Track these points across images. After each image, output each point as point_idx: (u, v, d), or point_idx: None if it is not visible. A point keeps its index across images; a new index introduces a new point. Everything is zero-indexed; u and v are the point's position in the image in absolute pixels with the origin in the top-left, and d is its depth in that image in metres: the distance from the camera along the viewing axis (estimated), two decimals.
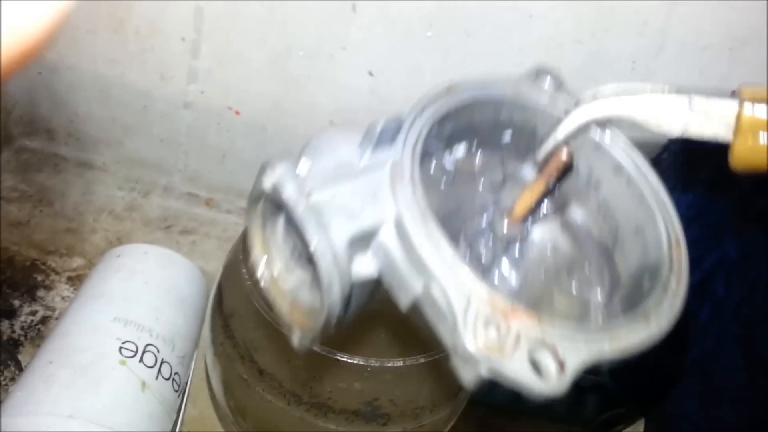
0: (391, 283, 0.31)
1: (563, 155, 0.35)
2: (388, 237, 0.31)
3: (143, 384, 0.58)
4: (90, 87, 0.89)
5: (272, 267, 0.35)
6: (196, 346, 0.70)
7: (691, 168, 0.68)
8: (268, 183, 0.31)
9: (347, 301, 0.31)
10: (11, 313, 0.75)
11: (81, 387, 0.55)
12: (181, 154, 0.94)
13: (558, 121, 0.36)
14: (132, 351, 0.59)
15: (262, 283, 0.35)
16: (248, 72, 0.84)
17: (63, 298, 0.79)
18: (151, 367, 0.60)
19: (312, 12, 0.77)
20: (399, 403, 0.58)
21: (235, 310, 0.62)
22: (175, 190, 0.97)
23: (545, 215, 0.38)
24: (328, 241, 0.29)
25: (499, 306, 0.28)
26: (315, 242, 0.29)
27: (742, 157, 0.33)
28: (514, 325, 0.27)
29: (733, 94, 0.76)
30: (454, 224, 0.35)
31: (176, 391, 0.62)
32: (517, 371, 0.26)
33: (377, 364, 0.55)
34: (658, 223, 0.34)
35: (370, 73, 0.81)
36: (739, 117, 0.32)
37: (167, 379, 0.61)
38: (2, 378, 0.69)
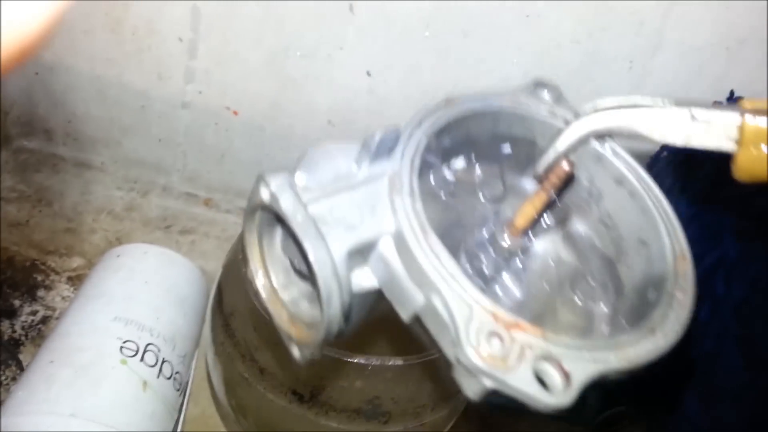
0: (392, 296, 0.31)
1: (564, 166, 0.35)
2: (387, 249, 0.31)
3: (144, 383, 0.58)
4: (88, 87, 0.89)
5: (271, 279, 0.35)
6: (196, 345, 0.70)
7: (690, 166, 0.68)
8: (265, 194, 0.30)
9: (347, 313, 0.31)
10: (12, 313, 0.76)
11: (82, 386, 0.55)
12: (180, 154, 0.94)
13: (558, 133, 0.36)
14: (133, 350, 0.59)
15: (261, 295, 0.35)
16: (246, 72, 0.84)
17: (63, 297, 0.79)
18: (152, 366, 0.60)
19: (309, 12, 0.77)
20: (400, 402, 0.58)
21: (235, 309, 0.62)
22: (174, 190, 0.97)
23: (547, 227, 0.38)
24: (326, 251, 0.29)
25: (502, 318, 0.28)
26: (313, 253, 0.29)
27: (745, 168, 0.33)
28: (518, 337, 0.27)
29: (731, 95, 0.76)
30: (454, 236, 0.35)
31: (177, 390, 0.62)
32: (522, 383, 0.26)
33: (378, 363, 0.55)
34: (662, 235, 0.34)
35: (368, 73, 0.81)
36: (742, 128, 0.32)
37: (168, 379, 0.61)
38: (3, 378, 0.69)
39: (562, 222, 0.38)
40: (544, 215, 0.38)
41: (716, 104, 0.34)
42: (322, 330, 0.31)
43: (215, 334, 0.64)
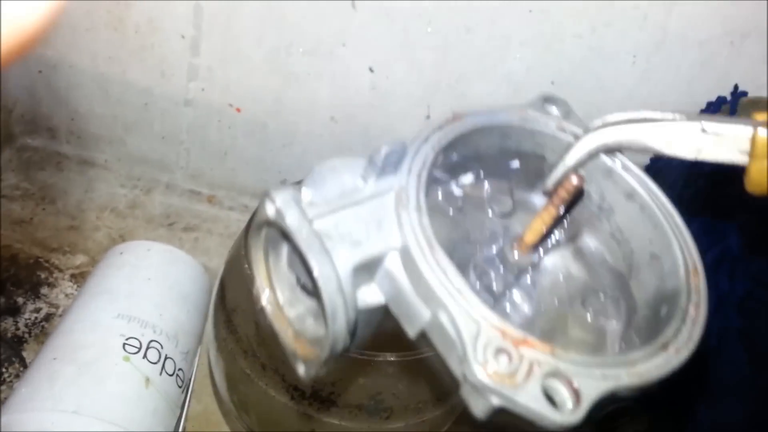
0: (398, 312, 0.31)
1: (573, 180, 0.34)
2: (394, 265, 0.30)
3: (147, 380, 0.58)
4: (91, 85, 0.89)
5: (277, 296, 0.34)
6: (199, 342, 0.70)
7: (693, 162, 0.68)
8: (271, 210, 0.30)
9: (353, 330, 0.31)
10: (15, 311, 0.76)
11: (85, 383, 0.56)
12: (183, 152, 0.94)
13: (567, 148, 0.36)
14: (136, 347, 0.60)
15: (267, 312, 0.34)
16: (248, 69, 0.84)
17: (66, 295, 0.79)
18: (155, 363, 0.60)
19: (311, 8, 0.77)
20: (402, 397, 0.58)
21: (238, 306, 0.62)
22: (177, 188, 0.97)
23: (557, 243, 0.37)
24: (332, 267, 0.29)
25: (510, 334, 0.27)
26: (318, 268, 0.28)
27: (758, 181, 0.32)
28: (527, 354, 0.27)
29: (735, 90, 0.75)
30: (463, 253, 0.34)
31: (180, 387, 0.63)
32: (530, 401, 0.26)
33: (380, 359, 0.55)
34: (674, 249, 0.33)
35: (371, 69, 0.81)
36: (753, 140, 0.32)
37: (171, 375, 0.61)
38: (7, 375, 0.70)
39: (572, 238, 0.38)
40: (554, 231, 0.37)
41: (723, 106, 0.34)
42: (327, 347, 0.30)
43: (217, 331, 0.64)
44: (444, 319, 0.28)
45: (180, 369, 0.63)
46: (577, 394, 0.26)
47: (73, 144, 0.96)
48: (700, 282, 0.32)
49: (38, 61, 0.87)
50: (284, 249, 0.34)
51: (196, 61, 0.84)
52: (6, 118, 0.92)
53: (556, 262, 0.37)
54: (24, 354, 0.72)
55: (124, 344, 0.59)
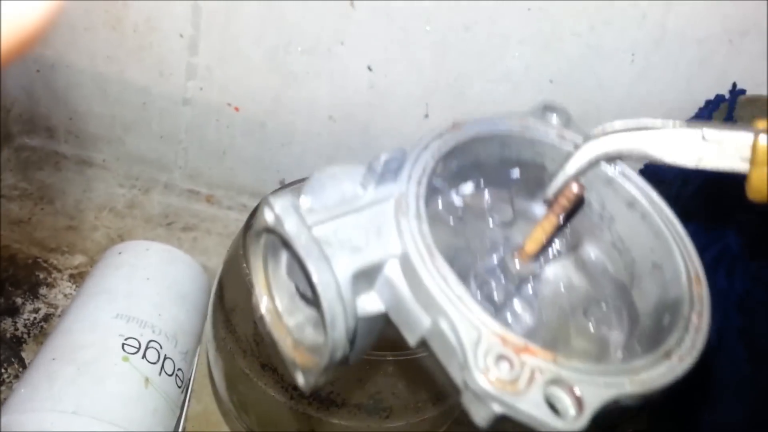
0: (399, 319, 0.31)
1: (574, 188, 0.34)
2: (393, 272, 0.30)
3: (146, 380, 0.58)
4: (89, 84, 0.89)
5: (276, 304, 0.34)
6: (198, 341, 0.70)
7: None
8: (269, 217, 0.30)
9: (352, 338, 0.30)
10: (14, 311, 0.76)
11: (84, 383, 0.55)
12: (181, 151, 0.94)
13: (568, 156, 0.36)
14: (135, 347, 0.59)
15: (266, 320, 0.34)
16: (247, 68, 0.84)
17: (65, 295, 0.79)
18: (154, 363, 0.60)
19: (310, 7, 0.77)
20: (401, 397, 0.58)
21: (236, 305, 0.62)
22: (176, 187, 0.97)
23: (558, 253, 0.37)
24: (331, 273, 0.28)
25: (511, 341, 0.27)
26: (317, 274, 0.28)
27: (759, 188, 0.32)
28: (528, 361, 0.26)
29: (734, 88, 0.75)
30: (463, 262, 0.34)
31: (179, 387, 0.63)
32: (532, 408, 0.25)
33: (380, 358, 0.55)
34: (676, 258, 0.33)
35: (369, 68, 0.81)
36: (754, 148, 0.32)
37: (170, 375, 0.61)
38: (6, 375, 0.70)
39: (573, 247, 0.37)
40: (555, 239, 0.37)
41: (724, 115, 0.34)
42: (326, 355, 0.30)
43: (216, 330, 0.64)
44: (444, 326, 0.28)
45: (179, 369, 0.63)
46: (579, 402, 0.26)
47: (71, 144, 0.96)
48: (702, 290, 0.32)
49: (36, 61, 0.87)
50: (283, 257, 0.34)
51: (194, 60, 0.84)
52: (4, 118, 0.92)
53: (557, 271, 0.37)
54: (23, 354, 0.72)
55: (123, 344, 0.59)
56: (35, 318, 0.76)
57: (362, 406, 0.57)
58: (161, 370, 0.60)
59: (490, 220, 0.37)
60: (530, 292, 0.36)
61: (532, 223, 0.36)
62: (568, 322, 0.35)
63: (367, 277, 0.30)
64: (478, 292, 0.34)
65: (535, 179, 0.38)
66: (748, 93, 0.75)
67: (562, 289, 0.36)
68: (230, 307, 0.63)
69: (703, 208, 0.64)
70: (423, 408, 0.59)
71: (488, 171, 0.37)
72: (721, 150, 0.33)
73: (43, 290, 0.79)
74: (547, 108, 0.38)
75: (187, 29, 0.81)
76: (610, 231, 0.37)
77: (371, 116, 0.85)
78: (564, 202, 0.34)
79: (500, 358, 0.26)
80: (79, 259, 0.83)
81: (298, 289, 0.34)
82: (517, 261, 0.35)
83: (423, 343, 0.30)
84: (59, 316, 0.76)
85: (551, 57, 0.77)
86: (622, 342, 0.34)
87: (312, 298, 0.32)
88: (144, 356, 0.60)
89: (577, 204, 0.36)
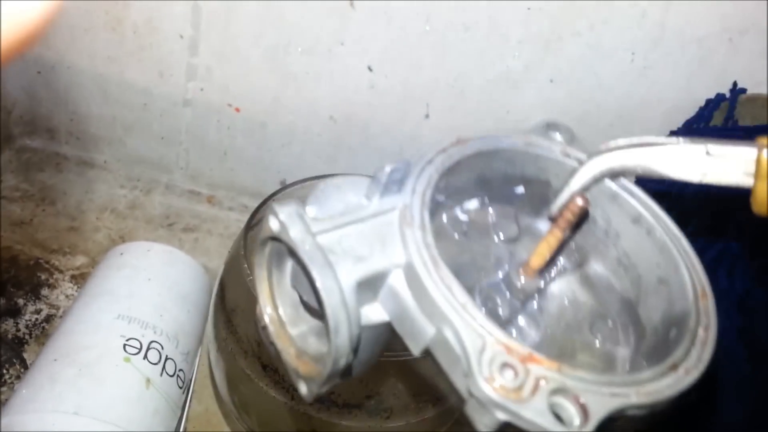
0: (403, 329, 0.31)
1: (579, 201, 0.34)
2: (397, 282, 0.30)
3: (148, 381, 0.58)
4: (89, 85, 0.89)
5: (280, 314, 0.34)
6: (199, 342, 0.70)
7: None
8: (274, 224, 0.30)
9: (356, 346, 0.30)
10: (16, 312, 0.76)
11: (86, 384, 0.56)
12: (182, 152, 0.94)
13: (572, 172, 0.36)
14: (136, 348, 0.60)
15: (269, 330, 0.34)
16: (247, 69, 0.84)
17: (67, 296, 0.79)
18: (156, 363, 0.60)
19: (310, 7, 0.77)
20: (402, 397, 0.58)
21: (238, 306, 0.62)
22: (177, 188, 0.97)
23: (564, 269, 0.37)
24: (335, 280, 0.28)
25: (516, 350, 0.27)
26: (321, 281, 0.28)
27: (763, 202, 0.32)
28: (533, 370, 0.27)
29: (734, 87, 0.75)
30: (468, 277, 0.34)
31: (181, 388, 0.63)
32: (537, 416, 0.25)
33: (380, 358, 0.55)
34: (682, 273, 0.33)
35: (369, 69, 0.81)
36: (758, 162, 0.32)
37: (172, 376, 0.61)
38: (8, 376, 0.70)
39: (579, 264, 0.37)
40: (560, 254, 0.37)
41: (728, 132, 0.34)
42: (329, 363, 0.30)
43: (217, 331, 0.64)
44: (448, 334, 0.28)
45: (180, 370, 0.63)
46: (584, 411, 0.26)
47: (72, 145, 0.96)
48: (709, 304, 0.32)
49: (37, 62, 0.87)
50: (288, 267, 0.34)
51: (194, 61, 0.84)
52: (5, 120, 0.93)
53: (562, 288, 0.37)
54: (25, 355, 0.72)
55: (125, 345, 0.59)
56: (37, 319, 0.76)
57: (363, 406, 0.57)
58: (162, 370, 0.60)
59: (495, 236, 0.37)
60: (535, 307, 0.36)
61: (537, 240, 0.36)
62: (573, 337, 0.35)
63: (371, 286, 0.30)
64: (483, 307, 0.34)
65: (539, 196, 0.38)
66: (749, 92, 0.75)
67: (568, 305, 0.36)
68: (231, 308, 0.63)
69: (704, 208, 0.64)
70: (424, 408, 0.59)
71: (493, 187, 0.37)
72: (725, 165, 0.33)
73: (44, 291, 0.79)
74: (550, 126, 0.38)
75: (187, 30, 0.81)
76: (615, 247, 0.37)
77: (371, 116, 0.85)
78: (569, 215, 0.34)
79: (504, 366, 0.26)
80: (80, 260, 0.84)
81: (301, 299, 0.34)
82: (522, 276, 0.35)
83: (427, 353, 0.30)
84: (61, 317, 0.76)
85: (551, 57, 0.77)
86: (627, 357, 0.34)
87: (316, 308, 0.32)
88: (145, 357, 0.60)
89: (582, 218, 0.36)
